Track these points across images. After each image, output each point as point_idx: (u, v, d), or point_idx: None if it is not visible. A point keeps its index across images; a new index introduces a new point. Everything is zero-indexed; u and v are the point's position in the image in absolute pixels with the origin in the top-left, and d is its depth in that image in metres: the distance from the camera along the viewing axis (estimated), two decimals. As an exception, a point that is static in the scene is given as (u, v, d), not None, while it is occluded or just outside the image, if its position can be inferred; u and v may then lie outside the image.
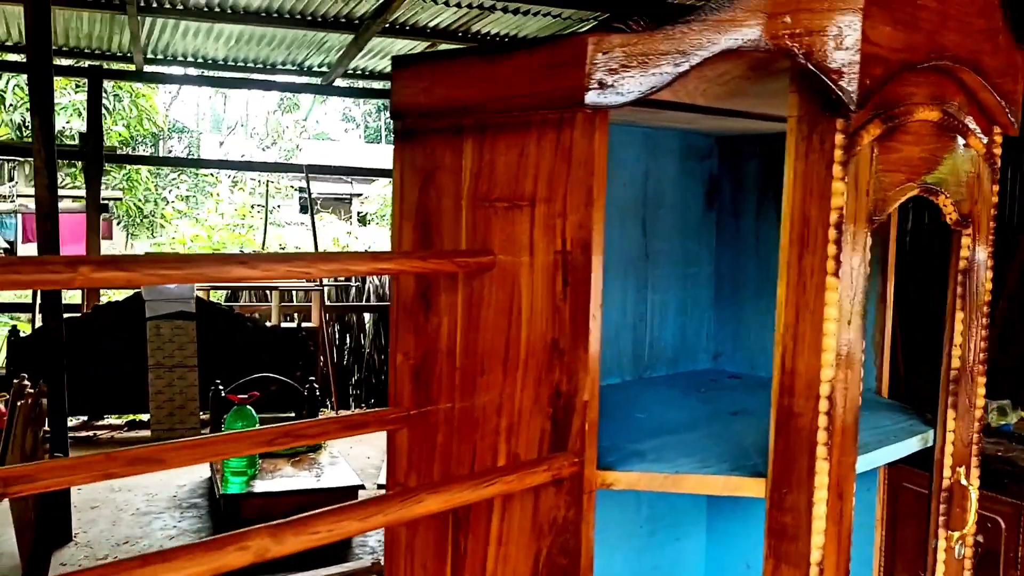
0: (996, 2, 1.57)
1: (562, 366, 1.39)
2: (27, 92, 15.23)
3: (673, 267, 2.17)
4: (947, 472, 1.70)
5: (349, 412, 9.01)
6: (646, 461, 1.46)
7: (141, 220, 18.34)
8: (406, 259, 1.39)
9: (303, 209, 20.74)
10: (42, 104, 5.19)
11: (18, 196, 12.88)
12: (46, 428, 5.14)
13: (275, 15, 7.67)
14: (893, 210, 1.92)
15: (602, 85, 1.32)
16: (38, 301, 8.65)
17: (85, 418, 8.38)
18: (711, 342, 2.29)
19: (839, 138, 1.30)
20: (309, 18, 7.75)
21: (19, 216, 14.58)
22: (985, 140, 1.66)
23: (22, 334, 7.70)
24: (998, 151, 1.72)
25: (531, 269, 1.42)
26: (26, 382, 5.70)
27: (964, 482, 1.71)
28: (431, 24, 7.81)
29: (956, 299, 1.67)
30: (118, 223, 19.32)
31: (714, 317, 2.29)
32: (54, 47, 8.76)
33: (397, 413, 1.60)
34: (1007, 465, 3.26)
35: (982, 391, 1.75)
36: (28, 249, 14.23)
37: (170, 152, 23.07)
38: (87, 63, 9.09)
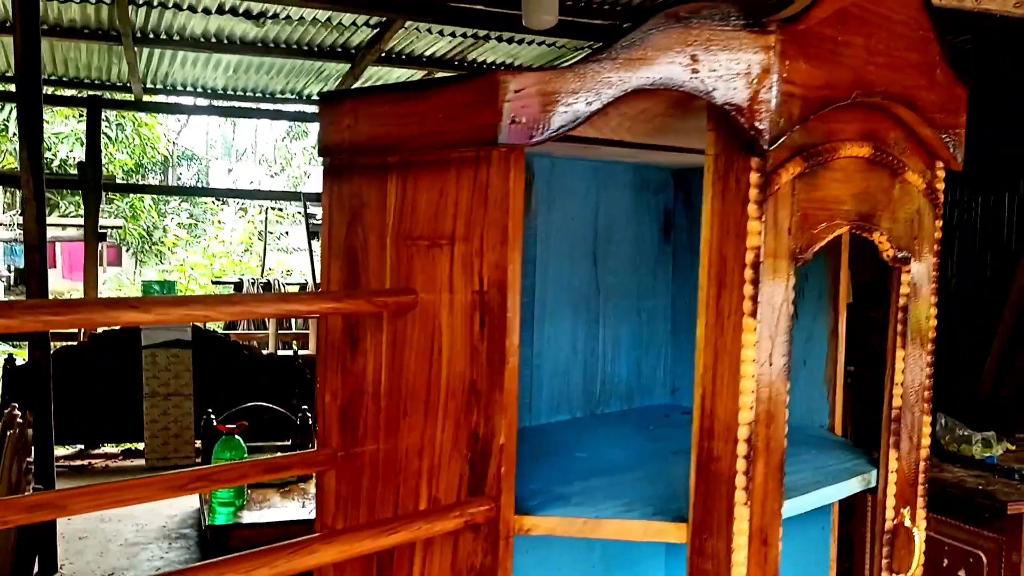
0: (931, 37, 1.55)
1: (479, 408, 1.36)
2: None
3: (627, 301, 2.15)
4: (890, 513, 1.66)
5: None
6: (569, 505, 1.43)
7: (150, 247, 18.44)
8: (317, 300, 1.37)
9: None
10: (31, 135, 5.22)
11: (19, 225, 12.97)
12: (30, 459, 5.12)
13: (272, 45, 7.72)
14: (844, 245, 1.91)
15: (515, 123, 1.30)
16: (36, 329, 8.67)
17: (81, 447, 8.37)
18: (669, 376, 2.26)
19: (754, 177, 1.28)
20: (306, 48, 7.80)
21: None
22: (925, 176, 1.64)
23: (19, 362, 7.71)
24: (940, 186, 1.69)
25: (451, 309, 1.40)
26: (16, 412, 5.70)
27: (909, 523, 1.67)
28: (427, 53, 7.85)
29: (896, 336, 1.64)
30: (127, 250, 19.43)
31: (671, 352, 2.26)
32: (55, 77, 8.84)
33: (324, 455, 1.57)
34: (988, 499, 3.21)
35: (927, 429, 1.71)
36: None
37: (179, 179, 23.21)
38: (87, 93, 9.16)
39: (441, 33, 7.23)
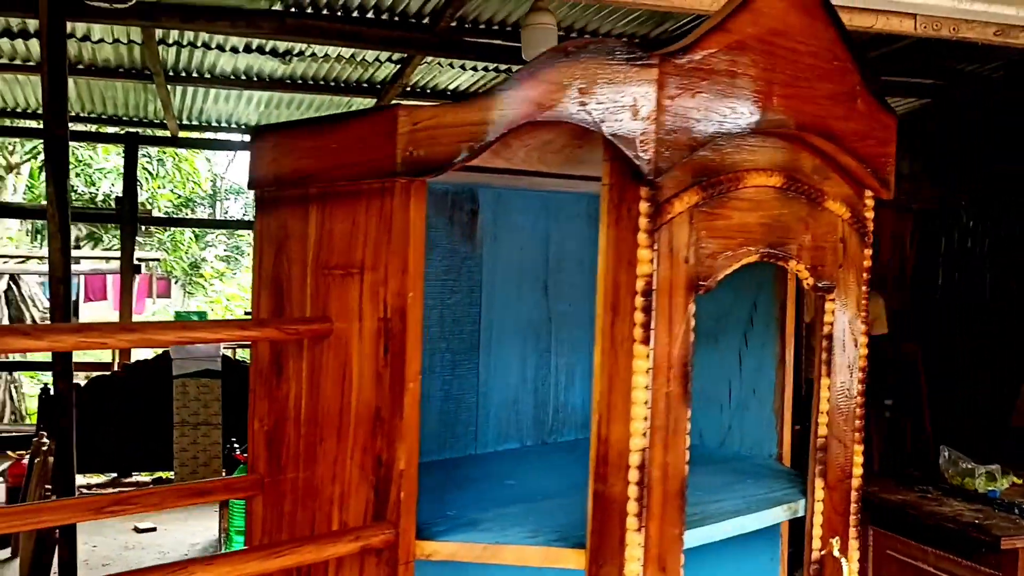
0: (849, 67, 1.56)
1: (383, 434, 1.39)
2: (76, 158, 15.81)
3: (581, 330, 2.16)
4: (816, 543, 1.65)
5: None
6: (475, 531, 1.45)
7: (197, 279, 18.80)
8: (223, 328, 1.42)
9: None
10: (57, 171, 5.38)
11: (41, 258, 13.34)
12: (48, 486, 5.24)
13: (300, 81, 7.89)
14: (791, 275, 1.91)
15: (413, 155, 1.34)
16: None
17: (114, 475, 8.52)
18: (627, 406, 2.27)
19: (644, 206, 1.30)
20: (333, 83, 7.95)
21: (81, 276, 15.09)
22: (852, 204, 1.65)
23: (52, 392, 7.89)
24: (869, 214, 1.69)
25: (360, 337, 1.43)
26: (44, 440, 5.84)
27: (837, 554, 1.66)
28: (450, 87, 7.95)
29: (821, 364, 1.64)
30: (176, 282, 19.84)
31: (630, 381, 2.26)
32: (94, 115, 9.12)
33: (250, 480, 1.61)
34: (983, 534, 3.14)
35: (859, 459, 1.70)
36: (89, 307, 14.72)
37: (226, 213, 23.65)
38: (125, 130, 9.42)
39: (463, 67, 7.33)
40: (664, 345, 1.34)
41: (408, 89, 7.79)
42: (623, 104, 1.27)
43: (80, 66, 7.33)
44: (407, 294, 1.36)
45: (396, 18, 6.22)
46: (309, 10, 6.11)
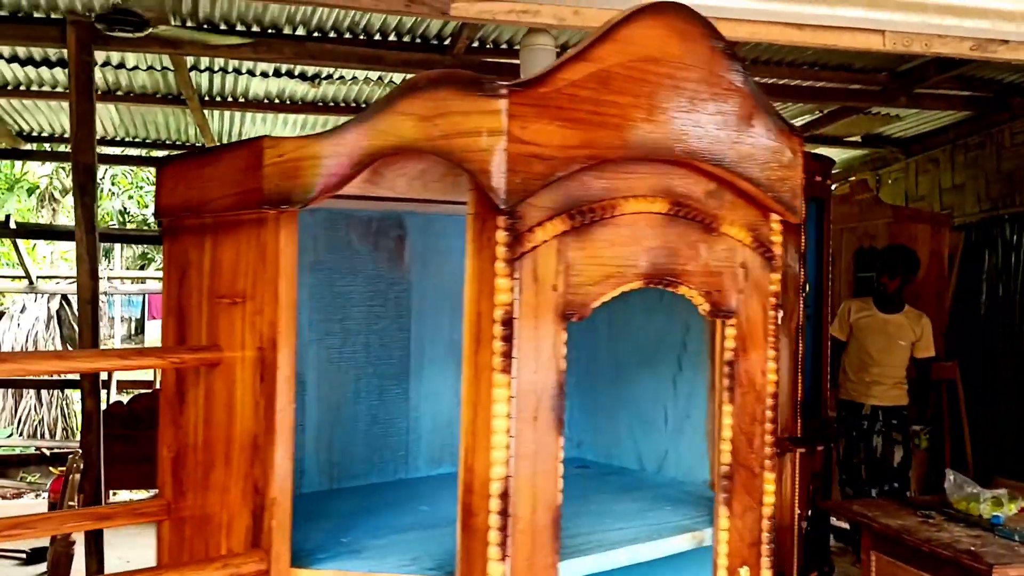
0: (742, 91, 1.55)
1: (259, 462, 1.41)
2: (128, 181, 16.26)
3: (519, 355, 2.16)
4: (722, 573, 1.62)
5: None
6: (356, 559, 1.46)
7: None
8: (101, 358, 1.45)
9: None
10: (85, 195, 5.54)
11: (110, 277, 13.71)
12: (72, 503, 5.37)
13: (331, 104, 8.01)
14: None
15: (279, 187, 1.36)
16: (114, 378, 9.14)
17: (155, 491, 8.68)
18: (574, 430, 2.26)
19: (502, 235, 1.30)
20: (364, 105, 8.07)
21: (146, 295, 15.51)
22: (753, 228, 1.63)
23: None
24: (776, 238, 1.67)
25: (243, 365, 1.46)
26: (78, 458, 5.99)
27: (746, 584, 1.63)
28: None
29: (723, 391, 1.62)
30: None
31: (577, 404, 2.25)
32: (138, 139, 9.37)
33: (157, 505, 1.64)
34: (977, 561, 3.04)
35: (771, 487, 1.68)
36: (154, 325, 15.16)
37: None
38: (164, 153, 9.66)
39: (489, 87, 7.37)
40: (531, 373, 1.33)
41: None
42: (475, 135, 1.27)
43: (119, 92, 7.53)
44: (278, 323, 1.38)
45: (417, 40, 6.29)
46: (332, 34, 6.21)
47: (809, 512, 4.96)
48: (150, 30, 5.15)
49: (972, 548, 3.16)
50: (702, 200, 1.55)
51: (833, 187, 9.50)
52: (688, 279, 1.54)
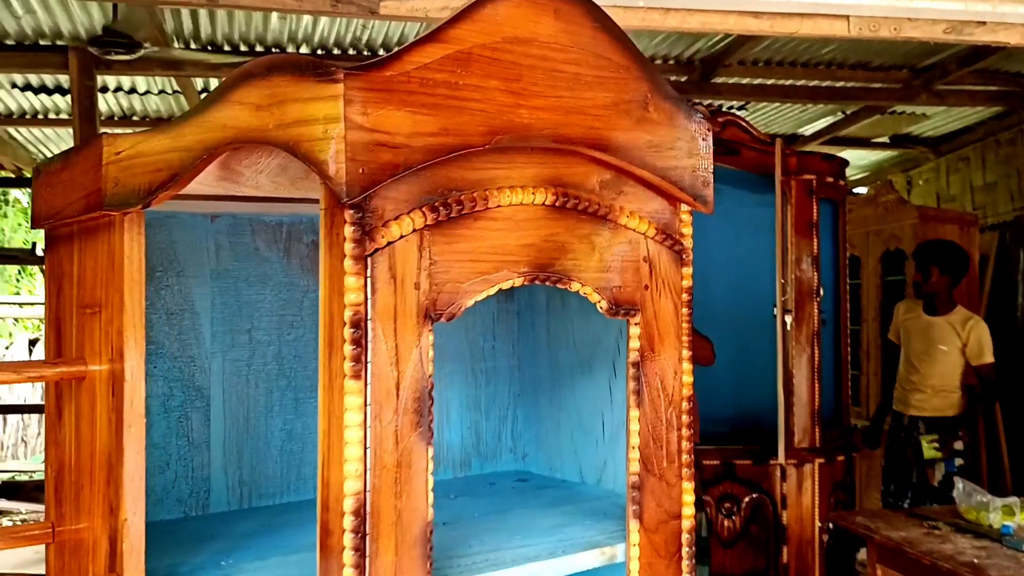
0: (635, 74, 1.44)
1: (113, 482, 1.33)
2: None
3: (454, 363, 2.06)
4: (634, 593, 1.50)
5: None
6: (217, 581, 1.36)
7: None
8: (-54, 372, 1.38)
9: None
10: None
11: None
12: None
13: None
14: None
15: (117, 187, 1.28)
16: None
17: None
18: (518, 441, 2.15)
19: (349, 230, 1.20)
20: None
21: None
22: (659, 220, 1.51)
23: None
24: (687, 230, 1.56)
25: (101, 378, 1.38)
26: None
27: (663, 604, 1.51)
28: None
29: (630, 394, 1.50)
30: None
31: (521, 414, 2.15)
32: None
33: (40, 528, 1.57)
34: (977, 574, 2.87)
35: (689, 498, 1.55)
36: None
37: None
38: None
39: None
40: (389, 379, 1.23)
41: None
42: (311, 123, 1.18)
43: (135, 118, 7.59)
44: (123, 332, 1.30)
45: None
46: (335, 50, 6.20)
47: (831, 524, 4.78)
48: (142, 51, 5.16)
49: (975, 560, 2.98)
50: (595, 190, 1.44)
51: (863, 190, 9.28)
52: (580, 275, 1.43)
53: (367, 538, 1.22)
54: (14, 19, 5.24)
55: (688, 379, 1.55)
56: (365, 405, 1.21)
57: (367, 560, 1.22)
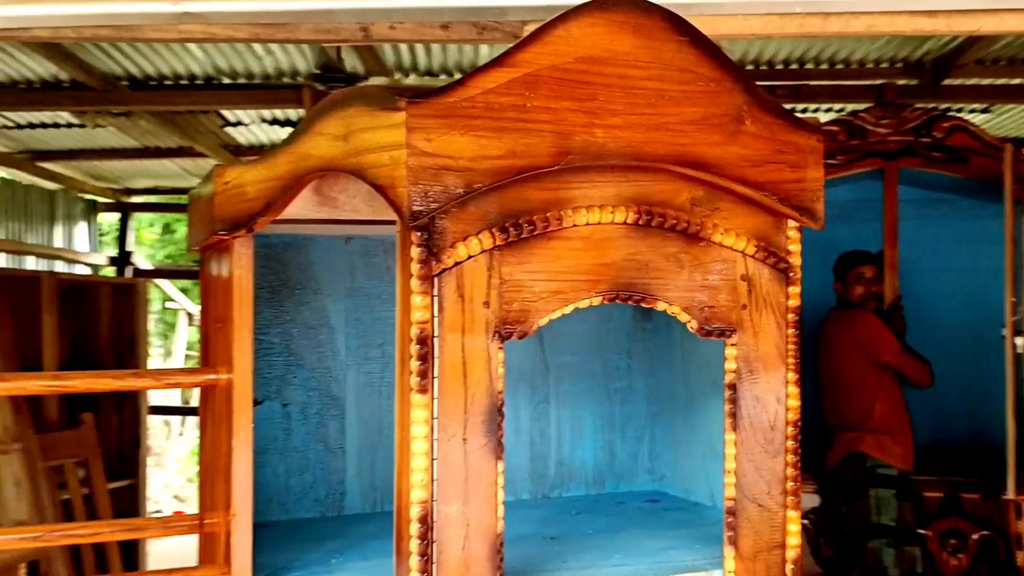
0: (729, 87, 1.41)
1: (227, 481, 1.46)
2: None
3: (588, 382, 2.08)
4: (728, 621, 1.46)
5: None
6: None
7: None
8: (96, 378, 1.56)
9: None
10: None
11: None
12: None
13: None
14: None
15: (226, 213, 1.42)
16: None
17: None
18: (655, 462, 2.13)
19: (416, 251, 1.26)
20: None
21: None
22: (760, 237, 1.47)
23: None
24: (794, 247, 1.50)
25: (224, 386, 1.52)
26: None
27: (760, 636, 1.45)
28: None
29: (727, 418, 1.46)
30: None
31: (658, 434, 2.13)
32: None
33: (189, 519, 1.74)
34: None
35: (794, 527, 1.49)
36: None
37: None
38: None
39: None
40: (457, 394, 1.28)
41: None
42: (378, 151, 1.25)
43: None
44: (233, 344, 1.43)
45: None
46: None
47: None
48: (361, 84, 5.52)
49: None
50: (685, 208, 1.42)
51: None
52: (666, 294, 1.41)
53: (433, 545, 1.27)
54: (257, 60, 5.76)
55: (795, 403, 1.49)
56: (432, 418, 1.27)
57: (433, 566, 1.27)
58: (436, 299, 1.27)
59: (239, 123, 6.68)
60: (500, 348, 1.31)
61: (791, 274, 1.49)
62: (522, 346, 1.99)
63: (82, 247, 8.60)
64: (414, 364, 1.27)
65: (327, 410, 1.87)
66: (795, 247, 1.50)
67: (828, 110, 7.01)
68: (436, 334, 1.27)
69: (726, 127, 1.41)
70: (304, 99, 6.02)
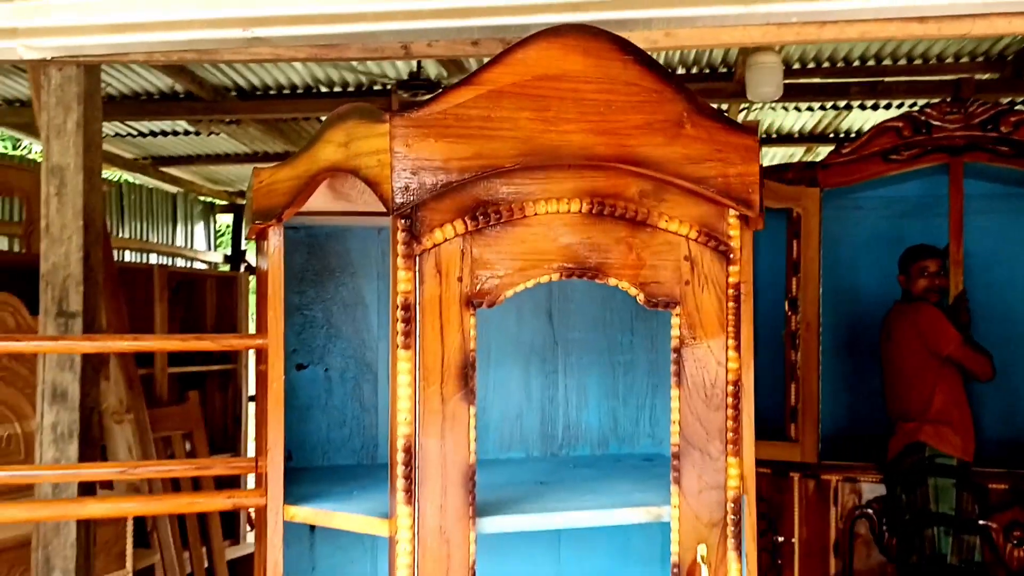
0: (670, 97, 1.68)
1: (263, 426, 1.81)
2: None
3: (592, 355, 2.35)
4: (674, 547, 1.72)
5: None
6: (333, 502, 1.79)
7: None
8: (166, 340, 1.93)
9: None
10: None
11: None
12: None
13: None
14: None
15: (262, 206, 1.76)
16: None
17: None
18: (656, 427, 2.39)
19: (401, 235, 1.58)
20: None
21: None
22: (703, 223, 1.72)
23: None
24: (734, 232, 1.75)
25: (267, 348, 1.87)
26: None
27: (700, 559, 1.71)
28: (796, 128, 7.91)
29: (672, 377, 1.73)
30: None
31: (659, 404, 2.39)
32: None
33: (247, 461, 2.09)
34: None
35: (734, 471, 1.74)
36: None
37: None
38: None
39: (797, 109, 7.29)
40: (435, 352, 1.59)
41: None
42: (370, 155, 1.57)
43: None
44: (268, 312, 1.77)
45: (705, 71, 6.43)
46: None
47: None
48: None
49: None
50: (635, 199, 1.70)
51: None
52: (616, 272, 1.69)
53: (416, 470, 1.58)
54: (351, 70, 6.19)
55: (734, 365, 1.74)
56: (414, 369, 1.58)
57: (416, 487, 1.58)
58: (417, 274, 1.58)
59: (337, 128, 7.12)
60: (472, 315, 1.61)
61: (731, 255, 1.74)
62: (533, 324, 2.30)
63: (200, 245, 9.28)
64: (400, 326, 1.58)
65: (362, 375, 2.21)
66: (735, 232, 1.74)
67: (900, 105, 7.03)
68: (418, 303, 1.58)
69: (668, 131, 1.67)
70: (392, 105, 6.44)
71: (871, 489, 4.69)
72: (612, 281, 1.70)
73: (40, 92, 2.76)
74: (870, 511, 4.68)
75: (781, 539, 4.82)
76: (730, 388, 1.74)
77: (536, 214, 1.65)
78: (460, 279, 1.61)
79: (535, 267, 1.65)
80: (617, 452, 2.37)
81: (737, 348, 1.75)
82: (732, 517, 1.74)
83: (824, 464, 4.65)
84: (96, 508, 1.72)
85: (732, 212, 1.74)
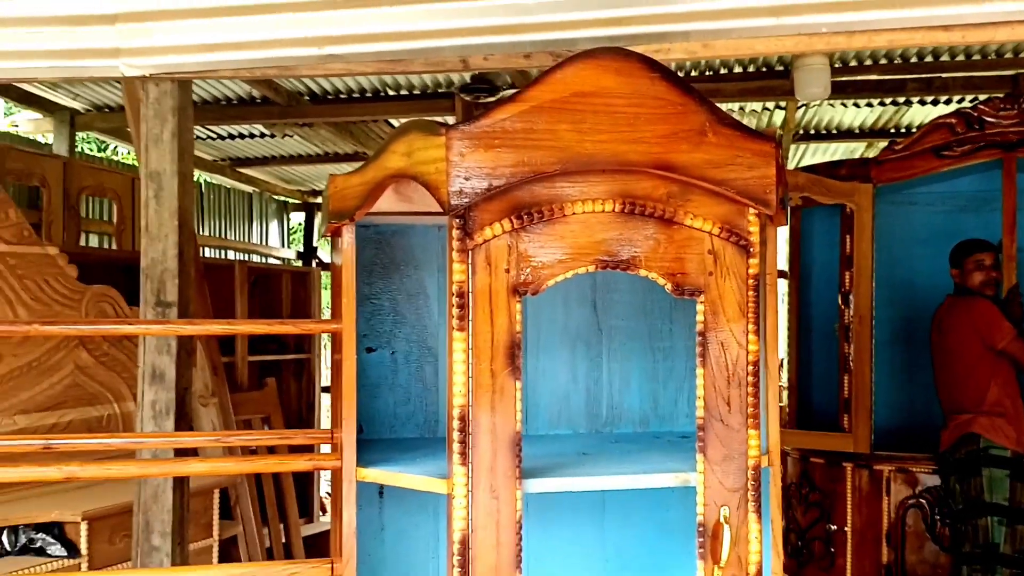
0: (693, 109, 1.89)
1: (337, 400, 2.07)
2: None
3: (635, 342, 2.57)
4: (700, 508, 1.93)
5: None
6: (399, 465, 2.05)
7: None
8: (252, 324, 2.20)
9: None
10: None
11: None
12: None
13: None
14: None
15: (338, 208, 2.03)
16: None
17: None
18: (692, 407, 2.59)
19: (455, 232, 1.82)
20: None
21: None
22: (725, 220, 1.93)
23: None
24: (752, 228, 1.95)
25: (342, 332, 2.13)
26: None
27: (723, 519, 1.92)
28: (854, 124, 7.98)
29: (698, 358, 1.94)
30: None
31: (694, 387, 2.58)
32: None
33: (323, 432, 2.36)
34: None
35: (755, 442, 1.94)
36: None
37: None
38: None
39: (856, 105, 7.37)
40: (486, 333, 1.83)
41: (802, 132, 8.00)
42: (429, 163, 1.82)
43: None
44: (340, 303, 2.04)
45: (762, 69, 6.55)
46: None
47: None
48: (501, 94, 6.14)
49: None
50: (662, 199, 1.91)
51: None
52: (646, 264, 1.91)
53: (470, 437, 1.82)
54: (417, 75, 6.47)
55: (754, 348, 1.94)
56: (468, 349, 1.82)
57: (470, 451, 1.82)
58: (470, 266, 1.82)
59: (404, 129, 7.43)
60: (518, 301, 1.84)
61: (751, 249, 1.95)
62: (579, 313, 2.53)
63: (274, 242, 9.69)
64: (455, 311, 1.83)
65: (424, 357, 2.46)
66: (754, 228, 1.95)
67: (960, 100, 7.07)
68: (471, 291, 1.82)
69: (692, 139, 1.89)
70: (456, 107, 6.72)
71: (924, 480, 4.78)
72: (643, 272, 1.92)
73: (136, 104, 3.07)
74: (923, 501, 4.78)
75: (834, 527, 4.95)
76: (750, 368, 1.95)
77: (574, 213, 1.87)
78: (507, 270, 1.84)
79: (574, 260, 1.88)
80: (657, 430, 2.59)
81: (757, 332, 1.95)
82: (752, 483, 1.94)
83: (877, 454, 4.76)
84: (198, 467, 2.00)
85: (751, 210, 1.95)
